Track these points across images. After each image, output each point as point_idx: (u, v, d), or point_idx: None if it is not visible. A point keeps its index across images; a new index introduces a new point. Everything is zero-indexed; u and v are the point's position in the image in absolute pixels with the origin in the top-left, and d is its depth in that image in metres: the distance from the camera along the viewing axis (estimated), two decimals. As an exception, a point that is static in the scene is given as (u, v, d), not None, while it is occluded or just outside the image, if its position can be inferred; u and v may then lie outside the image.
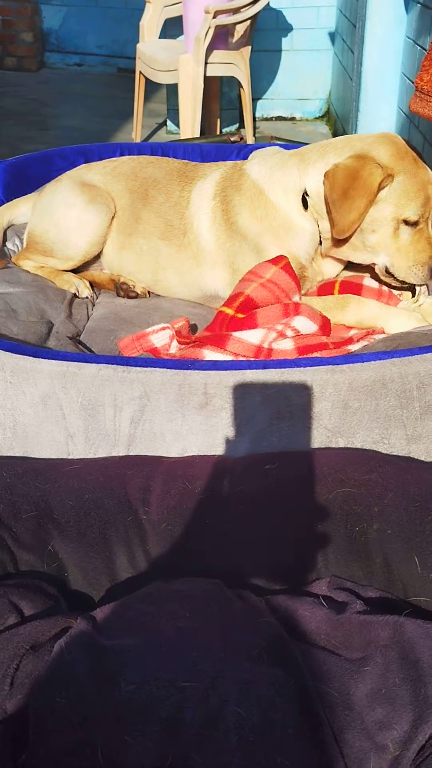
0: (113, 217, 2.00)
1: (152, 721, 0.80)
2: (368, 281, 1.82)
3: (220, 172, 1.94)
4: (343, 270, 1.87)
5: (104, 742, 0.78)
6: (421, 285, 1.76)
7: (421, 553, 1.03)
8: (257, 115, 5.37)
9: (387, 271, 1.76)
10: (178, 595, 0.97)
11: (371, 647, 0.93)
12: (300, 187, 1.76)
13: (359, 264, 1.82)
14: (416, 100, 1.56)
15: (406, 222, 1.69)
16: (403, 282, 1.77)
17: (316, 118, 5.42)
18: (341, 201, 1.64)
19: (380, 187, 1.64)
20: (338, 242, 1.76)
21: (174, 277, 1.95)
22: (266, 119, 5.41)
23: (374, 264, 1.78)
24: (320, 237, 1.79)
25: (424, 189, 1.67)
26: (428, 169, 1.69)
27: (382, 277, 1.79)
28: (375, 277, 1.84)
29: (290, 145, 2.69)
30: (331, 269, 1.85)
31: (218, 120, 4.76)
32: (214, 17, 3.81)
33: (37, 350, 1.32)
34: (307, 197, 1.75)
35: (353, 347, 1.60)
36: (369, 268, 1.84)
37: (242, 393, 1.25)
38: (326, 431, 1.29)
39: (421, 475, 1.12)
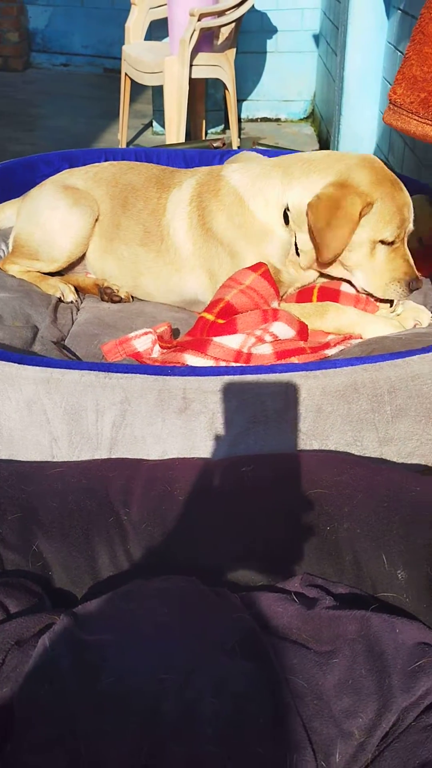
0: (96, 220, 2.05)
1: (131, 713, 0.85)
2: (346, 287, 1.86)
3: (196, 178, 1.98)
4: (319, 276, 1.92)
5: (84, 732, 0.83)
6: (399, 300, 1.82)
7: (388, 551, 1.08)
8: (243, 116, 5.41)
9: (365, 289, 1.81)
10: (156, 592, 1.02)
11: (340, 640, 0.98)
12: (283, 202, 1.80)
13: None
14: (389, 112, 1.61)
15: (382, 242, 1.73)
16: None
17: (301, 120, 5.47)
18: (325, 230, 1.68)
19: (361, 215, 1.69)
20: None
21: (153, 283, 2.00)
22: (251, 120, 5.46)
23: (352, 281, 1.84)
24: (297, 248, 1.83)
25: (400, 211, 1.72)
26: (404, 190, 1.74)
27: (362, 292, 1.84)
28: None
29: (272, 151, 2.74)
30: (307, 276, 1.90)
31: (204, 121, 4.80)
32: (199, 20, 3.85)
33: (23, 357, 1.36)
34: (288, 212, 1.79)
35: (330, 352, 1.65)
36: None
37: (220, 398, 1.30)
38: (301, 434, 1.34)
39: (389, 477, 1.17)
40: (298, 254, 1.84)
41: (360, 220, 1.69)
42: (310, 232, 1.73)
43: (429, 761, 0.87)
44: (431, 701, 0.93)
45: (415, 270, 1.76)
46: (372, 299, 1.85)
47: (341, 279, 1.88)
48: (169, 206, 1.96)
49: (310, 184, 1.76)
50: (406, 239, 1.77)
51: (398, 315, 1.82)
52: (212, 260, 1.89)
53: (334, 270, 1.83)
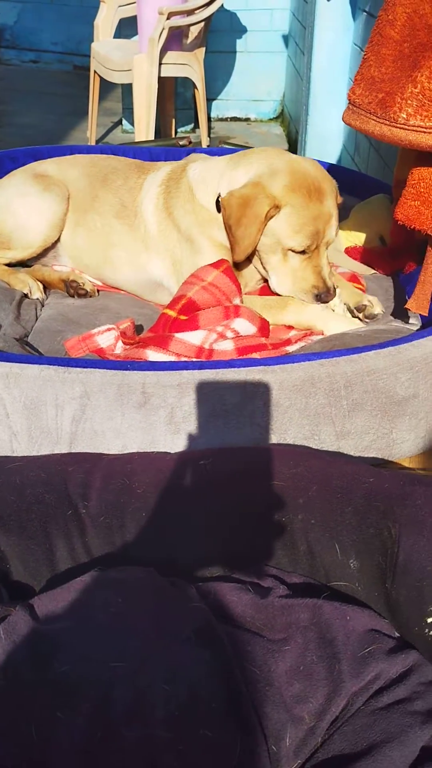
0: (68, 200, 2.07)
1: (83, 699, 0.86)
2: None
3: (171, 166, 2.04)
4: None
5: (38, 719, 0.84)
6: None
7: (341, 541, 1.11)
8: (212, 115, 5.43)
9: (276, 292, 1.85)
10: (112, 582, 1.03)
11: (292, 628, 1.00)
12: (217, 190, 1.83)
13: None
14: (349, 112, 1.63)
15: (292, 250, 1.76)
16: None
17: (271, 119, 5.51)
18: (236, 227, 1.72)
19: (268, 217, 1.71)
20: None
21: (123, 256, 2.03)
22: (221, 120, 5.48)
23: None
24: None
25: (312, 222, 1.72)
26: (326, 203, 1.74)
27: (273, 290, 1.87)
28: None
29: (240, 149, 2.76)
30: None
31: (173, 120, 4.81)
32: (168, 18, 3.86)
33: (-18, 352, 1.37)
34: (219, 200, 1.81)
35: (291, 348, 1.67)
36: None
37: (179, 392, 1.32)
38: (259, 428, 1.36)
39: (343, 469, 1.20)
40: None
41: (266, 221, 1.72)
42: (225, 228, 1.76)
43: (376, 743, 0.90)
44: (380, 686, 0.96)
45: (327, 283, 1.78)
46: None
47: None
48: (145, 185, 2.01)
49: (233, 177, 1.80)
50: (323, 251, 1.78)
51: (352, 298, 1.86)
52: (174, 245, 1.93)
53: (258, 267, 1.87)
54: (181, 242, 1.91)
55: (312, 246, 1.75)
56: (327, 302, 1.80)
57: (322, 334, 1.76)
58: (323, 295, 1.78)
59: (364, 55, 1.61)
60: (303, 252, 1.76)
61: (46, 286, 2.09)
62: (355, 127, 1.62)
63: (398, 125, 1.49)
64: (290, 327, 1.81)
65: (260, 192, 1.71)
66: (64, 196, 2.07)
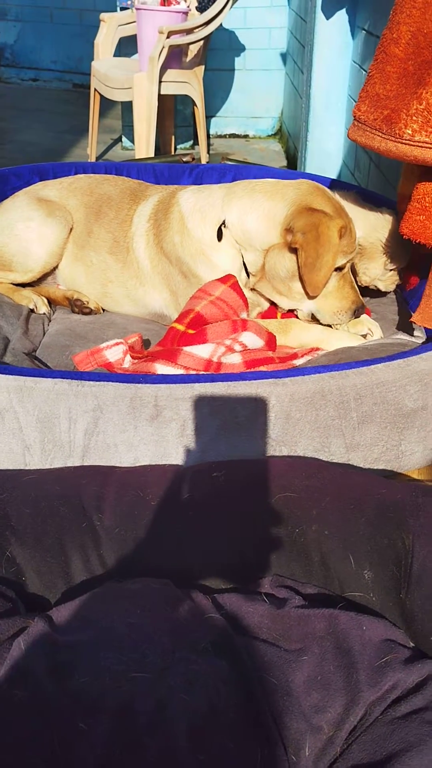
0: (71, 230, 2.08)
1: (104, 710, 0.86)
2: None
3: (158, 196, 2.01)
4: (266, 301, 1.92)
5: (59, 730, 0.85)
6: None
7: (355, 552, 1.12)
8: (211, 132, 5.48)
9: (312, 316, 1.82)
10: (129, 593, 1.04)
11: (309, 638, 1.01)
12: (219, 218, 1.81)
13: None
14: (354, 129, 1.66)
15: (337, 269, 1.74)
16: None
17: (269, 136, 5.56)
18: (312, 258, 1.66)
19: (340, 240, 1.68)
20: (263, 281, 1.81)
21: (121, 292, 2.03)
22: (220, 136, 5.53)
23: (297, 310, 1.83)
24: (246, 270, 1.84)
25: (354, 234, 1.75)
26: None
27: (305, 319, 1.84)
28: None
29: (242, 165, 2.79)
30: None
31: (173, 137, 4.86)
32: (167, 37, 3.91)
33: (-5, 366, 1.38)
34: (223, 228, 1.80)
35: (298, 362, 1.69)
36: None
37: (191, 405, 1.33)
38: (270, 440, 1.37)
39: (355, 480, 1.21)
40: (248, 275, 1.85)
41: (340, 245, 1.68)
42: (299, 268, 1.70)
43: (395, 753, 0.90)
44: (397, 695, 0.96)
45: (359, 295, 1.80)
46: None
47: (276, 305, 1.87)
48: (135, 219, 2.01)
49: (252, 203, 1.77)
50: (349, 264, 1.79)
51: (354, 327, 1.88)
52: (169, 278, 1.93)
53: (281, 298, 1.82)
54: (174, 275, 1.90)
55: (353, 259, 1.77)
56: (360, 316, 1.80)
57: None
58: (359, 310, 1.78)
59: (369, 72, 1.64)
60: (341, 269, 1.75)
61: (51, 303, 2.11)
62: (360, 143, 1.64)
63: (404, 141, 1.51)
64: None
65: (323, 216, 1.67)
66: (67, 221, 2.07)
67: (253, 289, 1.87)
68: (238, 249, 1.82)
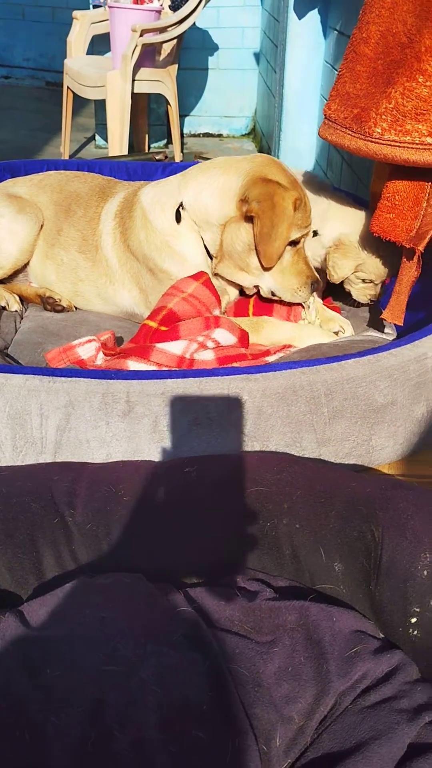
0: (42, 227, 2.07)
1: (76, 703, 0.87)
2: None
3: (123, 194, 2.01)
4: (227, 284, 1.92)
5: (31, 723, 0.85)
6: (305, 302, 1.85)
7: (325, 545, 1.13)
8: (185, 131, 5.48)
9: (273, 294, 1.83)
10: (101, 588, 1.04)
11: (280, 630, 1.02)
12: (177, 202, 1.80)
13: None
14: (325, 127, 1.67)
15: (291, 243, 1.74)
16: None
17: (243, 135, 5.57)
18: (267, 227, 1.66)
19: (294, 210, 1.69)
20: (224, 260, 1.79)
21: (92, 290, 2.03)
22: (194, 135, 5.53)
23: (257, 286, 1.83)
24: (209, 253, 1.83)
25: (309, 209, 1.76)
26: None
27: (267, 296, 1.84)
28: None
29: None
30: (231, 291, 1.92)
31: (146, 136, 4.85)
32: (140, 35, 3.90)
33: (-35, 362, 1.37)
34: (181, 210, 1.80)
35: (270, 358, 1.70)
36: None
37: (163, 401, 1.33)
38: (242, 436, 1.37)
39: (326, 474, 1.22)
40: (210, 258, 1.83)
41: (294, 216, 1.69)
42: (255, 238, 1.70)
43: (364, 741, 0.91)
44: (367, 685, 0.98)
45: (315, 272, 1.81)
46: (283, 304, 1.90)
47: (237, 285, 1.87)
48: (102, 217, 2.00)
49: (207, 179, 1.77)
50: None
51: (326, 324, 1.89)
52: (137, 276, 1.92)
53: (242, 275, 1.81)
54: (143, 272, 1.90)
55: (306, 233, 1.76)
56: (316, 290, 1.81)
57: (299, 348, 1.78)
58: (315, 283, 1.79)
59: (339, 71, 1.66)
60: (296, 243, 1.75)
61: (23, 300, 2.10)
62: (330, 141, 1.66)
63: (373, 140, 1.53)
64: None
65: (278, 187, 1.67)
66: (38, 218, 2.06)
67: (216, 275, 1.86)
68: (197, 231, 1.80)
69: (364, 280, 1.98)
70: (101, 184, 2.12)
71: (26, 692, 0.88)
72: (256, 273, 1.79)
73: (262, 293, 1.85)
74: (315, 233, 1.95)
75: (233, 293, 1.93)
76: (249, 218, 1.70)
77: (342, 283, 2.02)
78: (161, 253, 1.84)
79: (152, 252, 1.86)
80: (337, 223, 1.94)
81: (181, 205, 1.80)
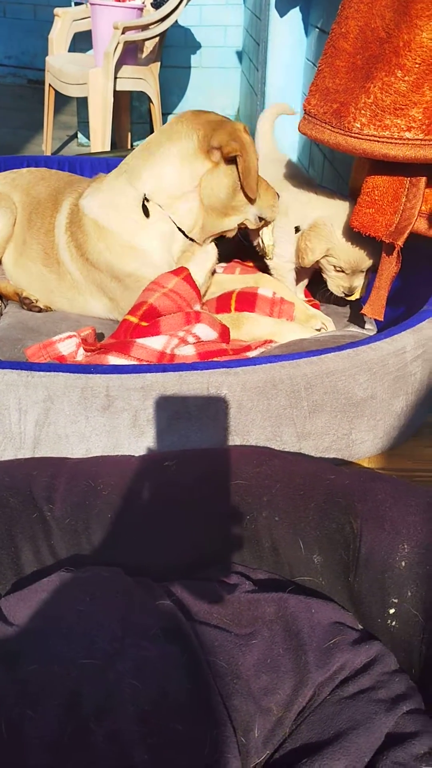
0: (14, 224, 2.05)
1: (53, 696, 0.86)
2: (263, 291, 1.92)
3: (68, 206, 1.96)
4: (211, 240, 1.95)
5: (7, 717, 0.84)
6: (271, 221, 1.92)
7: (304, 537, 1.13)
8: (168, 129, 5.46)
9: (260, 219, 1.88)
10: (78, 582, 1.03)
11: (258, 622, 1.02)
12: (138, 196, 1.80)
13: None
14: (304, 122, 1.67)
15: None
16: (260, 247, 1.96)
17: (226, 134, 5.56)
18: (252, 170, 1.75)
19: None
20: (206, 217, 1.82)
21: (64, 302, 2.01)
22: (177, 133, 5.52)
23: (243, 224, 1.88)
24: (183, 232, 1.83)
25: None
26: None
27: (256, 226, 1.90)
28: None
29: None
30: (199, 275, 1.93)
31: (129, 134, 4.84)
32: (122, 33, 3.89)
33: None
34: (146, 203, 1.79)
35: (252, 354, 1.70)
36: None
37: (143, 395, 1.33)
38: (222, 430, 1.37)
39: (305, 467, 1.22)
40: (188, 237, 1.85)
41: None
42: (240, 174, 1.75)
43: (343, 731, 0.91)
44: (345, 676, 0.98)
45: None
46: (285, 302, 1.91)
47: (219, 234, 1.91)
48: (56, 231, 1.97)
49: (158, 159, 1.78)
50: None
51: (308, 321, 1.89)
52: (103, 285, 1.90)
53: (231, 219, 1.85)
54: (107, 281, 1.88)
55: None
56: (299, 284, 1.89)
57: (280, 343, 1.78)
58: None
59: (319, 66, 1.66)
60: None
61: (2, 297, 2.08)
62: (310, 136, 1.66)
63: (352, 135, 1.53)
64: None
65: (230, 122, 1.78)
66: (12, 211, 2.03)
67: (193, 243, 1.88)
68: (167, 216, 1.80)
69: (335, 268, 1.94)
70: (58, 188, 2.06)
71: (2, 685, 0.87)
72: (243, 209, 1.84)
73: (250, 226, 1.89)
74: (297, 229, 1.95)
75: (213, 252, 1.97)
76: (228, 161, 1.75)
77: (321, 275, 2.01)
78: (125, 257, 1.82)
79: (115, 259, 1.83)
80: (316, 212, 1.93)
81: (144, 198, 1.79)
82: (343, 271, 1.94)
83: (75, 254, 1.91)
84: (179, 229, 1.82)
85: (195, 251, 1.89)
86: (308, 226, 1.92)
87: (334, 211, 1.92)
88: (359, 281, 1.95)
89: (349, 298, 2.00)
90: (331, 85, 1.61)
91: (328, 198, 1.97)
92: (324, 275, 2.01)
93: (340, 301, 2.09)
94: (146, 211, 1.79)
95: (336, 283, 1.98)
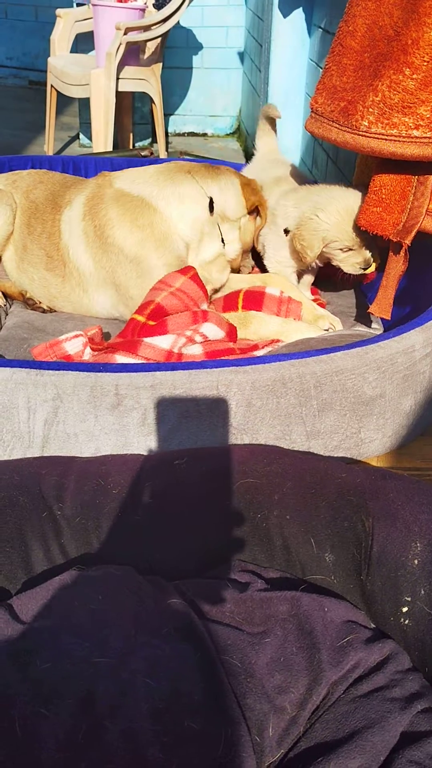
0: (14, 222, 2.05)
1: (66, 695, 0.86)
2: (270, 290, 1.92)
3: (85, 194, 1.97)
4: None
5: (21, 715, 0.84)
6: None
7: (316, 536, 1.12)
8: (170, 130, 5.47)
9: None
10: (90, 580, 1.03)
11: (271, 621, 1.01)
12: (205, 195, 1.90)
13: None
14: (311, 120, 1.67)
15: None
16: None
17: (228, 135, 5.57)
18: None
19: None
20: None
21: (67, 305, 2.01)
22: (179, 134, 5.53)
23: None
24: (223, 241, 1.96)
25: None
26: None
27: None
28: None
29: (200, 160, 2.79)
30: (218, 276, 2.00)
31: (131, 134, 4.84)
32: (124, 33, 3.89)
33: None
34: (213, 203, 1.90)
35: (258, 353, 1.69)
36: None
37: (152, 393, 1.32)
38: (231, 428, 1.37)
39: (316, 466, 1.22)
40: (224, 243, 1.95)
41: None
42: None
43: (357, 730, 0.91)
44: (359, 674, 0.97)
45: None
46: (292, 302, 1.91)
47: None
48: (63, 227, 1.96)
49: (228, 183, 1.97)
50: None
51: (316, 321, 1.89)
52: (115, 270, 1.89)
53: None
54: (123, 263, 1.87)
55: None
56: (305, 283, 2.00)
57: (287, 343, 1.78)
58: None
59: (326, 65, 1.66)
60: None
61: (7, 296, 2.08)
62: (317, 135, 1.66)
63: (360, 133, 1.53)
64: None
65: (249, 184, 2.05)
66: (12, 209, 2.03)
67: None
68: (218, 222, 1.95)
69: (342, 249, 1.90)
70: (54, 191, 2.06)
71: (16, 685, 0.87)
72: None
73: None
74: (287, 231, 1.96)
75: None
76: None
77: (332, 265, 1.98)
78: (163, 243, 1.85)
79: (151, 242, 1.85)
80: (298, 210, 1.93)
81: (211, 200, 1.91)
82: (350, 249, 1.90)
83: (92, 237, 1.89)
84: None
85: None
86: (295, 226, 1.91)
87: (314, 200, 1.90)
88: (370, 250, 1.92)
89: (368, 271, 1.96)
90: (339, 84, 1.61)
91: (310, 191, 1.97)
92: (335, 264, 1.96)
93: (360, 278, 2.09)
94: (212, 208, 1.91)
95: (350, 263, 1.93)
